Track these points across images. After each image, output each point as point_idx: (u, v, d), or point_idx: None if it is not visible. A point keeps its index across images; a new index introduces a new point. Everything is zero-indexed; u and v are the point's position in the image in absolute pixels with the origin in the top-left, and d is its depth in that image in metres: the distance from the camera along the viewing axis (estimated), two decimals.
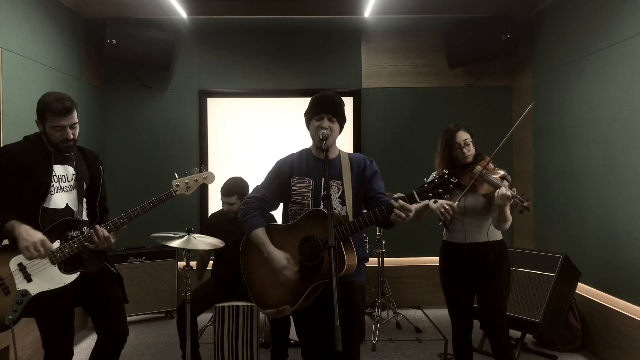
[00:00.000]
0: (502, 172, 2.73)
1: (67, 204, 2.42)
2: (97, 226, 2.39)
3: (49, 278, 2.31)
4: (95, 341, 2.58)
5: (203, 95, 5.14)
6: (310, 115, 2.36)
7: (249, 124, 5.18)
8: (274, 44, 5.16)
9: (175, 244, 3.01)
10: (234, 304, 3.21)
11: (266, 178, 2.45)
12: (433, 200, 2.77)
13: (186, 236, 3.08)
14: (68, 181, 2.43)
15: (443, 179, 2.03)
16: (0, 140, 3.37)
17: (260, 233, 2.33)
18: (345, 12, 4.95)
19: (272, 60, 5.16)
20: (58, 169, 2.40)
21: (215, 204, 4.90)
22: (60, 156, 2.43)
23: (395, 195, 2.09)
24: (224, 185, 3.50)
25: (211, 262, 3.63)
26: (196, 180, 2.61)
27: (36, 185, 2.32)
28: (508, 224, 2.71)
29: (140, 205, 2.45)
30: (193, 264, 3.43)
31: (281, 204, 2.49)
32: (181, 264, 4.31)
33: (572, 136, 4.11)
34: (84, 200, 2.50)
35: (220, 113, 5.19)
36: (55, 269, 2.32)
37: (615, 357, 3.52)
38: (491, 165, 2.80)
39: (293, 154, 2.47)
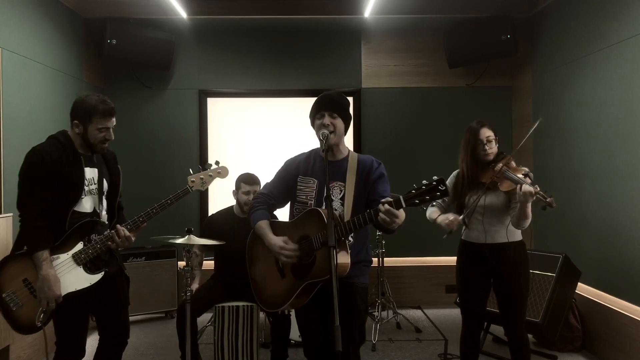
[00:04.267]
0: (525, 169, 2.71)
1: (94, 207, 2.45)
2: (118, 226, 2.43)
3: (75, 279, 2.35)
4: (94, 342, 2.59)
5: (203, 95, 5.14)
6: (313, 115, 2.36)
7: (249, 124, 5.18)
8: (274, 44, 5.16)
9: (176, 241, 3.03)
10: (234, 304, 3.21)
11: (275, 176, 2.48)
12: (439, 215, 2.84)
13: (187, 237, 3.08)
14: (94, 184, 2.46)
15: (431, 185, 1.98)
16: (0, 140, 3.36)
17: (263, 224, 2.35)
18: (345, 12, 4.95)
19: (272, 60, 5.16)
20: (87, 172, 2.42)
21: (215, 204, 4.90)
22: (88, 159, 2.45)
23: (382, 200, 2.05)
24: (245, 177, 3.49)
25: (211, 263, 3.62)
26: (211, 176, 2.66)
27: (70, 190, 2.34)
28: (528, 222, 2.69)
29: (159, 203, 2.50)
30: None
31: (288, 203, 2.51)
32: (181, 264, 4.31)
33: (572, 136, 4.11)
34: (104, 201, 2.53)
35: (220, 113, 5.19)
36: (80, 269, 2.37)
37: (615, 357, 3.52)
38: (513, 164, 2.77)
39: (303, 154, 2.47)
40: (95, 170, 2.48)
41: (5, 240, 3.12)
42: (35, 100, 3.82)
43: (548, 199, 2.59)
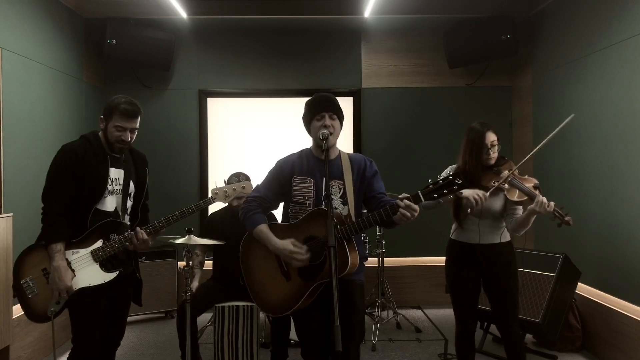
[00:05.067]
0: (535, 181, 2.72)
1: (115, 207, 2.51)
2: (138, 228, 2.48)
3: (90, 275, 2.42)
4: None
5: (203, 95, 5.14)
6: (310, 117, 2.36)
7: (249, 124, 5.18)
8: (274, 44, 5.16)
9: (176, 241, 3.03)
10: (234, 304, 3.21)
11: (267, 178, 2.45)
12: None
13: (187, 237, 3.08)
14: (119, 184, 2.53)
15: (448, 180, 2.04)
16: (0, 140, 3.36)
17: (264, 228, 2.33)
18: (345, 12, 4.96)
19: (272, 60, 5.16)
20: (112, 173, 2.50)
21: (215, 203, 4.89)
22: (115, 160, 2.52)
23: (400, 196, 2.10)
24: (232, 178, 3.42)
25: (211, 262, 3.62)
26: (234, 190, 2.67)
27: (93, 188, 2.42)
28: (526, 230, 2.73)
29: (179, 211, 2.55)
30: (191, 263, 3.43)
31: (281, 204, 2.50)
32: (181, 264, 4.31)
33: (572, 136, 4.11)
34: (129, 202, 2.58)
35: (220, 113, 5.19)
36: (97, 266, 2.44)
37: (615, 357, 3.52)
38: (517, 171, 2.78)
39: (293, 154, 2.47)
40: (122, 171, 2.54)
41: (5, 240, 3.12)
42: (35, 100, 3.82)
43: (566, 218, 2.62)
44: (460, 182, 2.03)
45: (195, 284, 3.44)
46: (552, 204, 2.59)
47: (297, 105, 5.05)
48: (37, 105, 3.85)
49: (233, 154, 5.15)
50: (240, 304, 3.21)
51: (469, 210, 2.67)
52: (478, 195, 2.57)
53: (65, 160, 2.40)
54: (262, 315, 3.91)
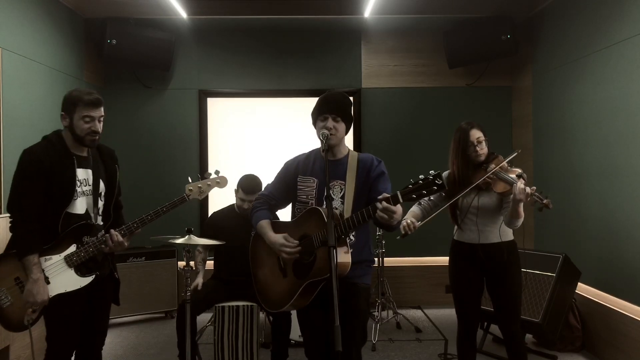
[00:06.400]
0: (518, 171, 2.73)
1: (86, 209, 2.43)
2: (112, 230, 2.41)
3: (65, 281, 2.35)
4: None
5: (203, 95, 5.14)
6: (316, 116, 2.36)
7: (249, 124, 5.18)
8: (274, 44, 5.16)
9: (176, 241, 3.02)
10: (234, 304, 3.21)
11: (275, 177, 2.50)
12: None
13: (187, 237, 3.08)
14: (88, 185, 2.44)
15: (427, 180, 1.97)
16: (0, 140, 3.36)
17: (264, 224, 2.37)
18: (345, 12, 4.95)
19: (272, 60, 5.16)
20: (80, 173, 2.39)
21: (215, 203, 4.90)
22: (82, 160, 2.42)
23: (379, 197, 2.05)
24: (245, 184, 3.41)
25: (211, 262, 3.62)
26: (209, 185, 2.66)
27: (61, 192, 2.33)
28: (520, 222, 2.70)
29: (154, 210, 2.49)
30: (192, 264, 3.43)
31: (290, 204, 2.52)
32: (181, 264, 4.32)
33: (572, 136, 4.11)
34: (100, 202, 2.51)
35: (220, 113, 5.19)
36: (71, 272, 2.36)
37: (615, 357, 3.52)
38: (505, 165, 2.80)
39: (302, 154, 2.48)
40: (89, 171, 2.44)
41: (5, 240, 3.12)
42: (35, 100, 3.82)
43: (545, 201, 2.62)
44: (440, 182, 1.96)
45: (200, 280, 3.43)
46: (529, 189, 2.58)
47: (298, 105, 5.10)
48: (37, 105, 3.85)
49: (233, 154, 5.15)
50: (240, 304, 3.21)
51: (398, 237, 2.72)
52: (406, 222, 2.67)
53: (28, 164, 2.29)
54: (262, 315, 3.91)
